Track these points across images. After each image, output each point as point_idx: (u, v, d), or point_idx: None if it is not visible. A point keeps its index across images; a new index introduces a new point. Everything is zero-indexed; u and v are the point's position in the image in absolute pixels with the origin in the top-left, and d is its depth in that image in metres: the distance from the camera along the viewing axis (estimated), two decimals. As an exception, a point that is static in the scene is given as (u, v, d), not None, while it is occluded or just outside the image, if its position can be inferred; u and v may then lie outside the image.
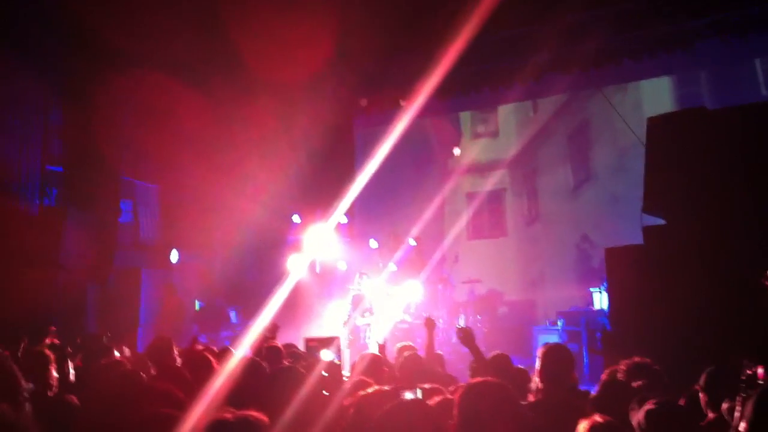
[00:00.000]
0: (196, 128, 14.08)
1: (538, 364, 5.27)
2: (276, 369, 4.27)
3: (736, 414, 3.29)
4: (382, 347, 7.59)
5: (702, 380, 5.09)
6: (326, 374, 4.73)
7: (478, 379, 3.84)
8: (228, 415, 2.30)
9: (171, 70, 13.02)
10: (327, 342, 5.05)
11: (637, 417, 3.83)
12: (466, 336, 6.50)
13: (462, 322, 15.38)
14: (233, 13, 12.54)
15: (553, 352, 5.31)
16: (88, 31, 12.05)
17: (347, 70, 14.66)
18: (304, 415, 3.83)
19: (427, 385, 4.57)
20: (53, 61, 12.98)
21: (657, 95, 16.83)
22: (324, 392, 4.41)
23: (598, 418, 3.53)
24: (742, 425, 2.97)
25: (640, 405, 3.91)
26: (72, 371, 6.26)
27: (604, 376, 5.62)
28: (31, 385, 4.68)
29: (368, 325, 13.81)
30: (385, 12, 12.76)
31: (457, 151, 19.85)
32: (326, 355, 4.88)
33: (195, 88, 13.58)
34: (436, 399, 4.56)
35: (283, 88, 14.52)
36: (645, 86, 16.89)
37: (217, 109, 14.46)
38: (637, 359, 5.70)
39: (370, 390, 4.68)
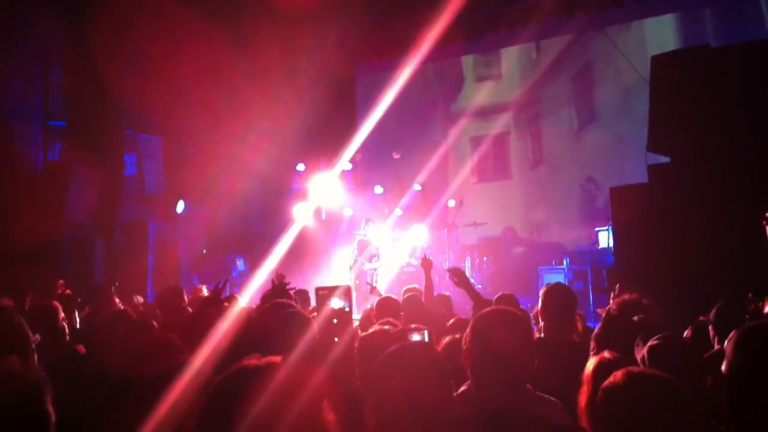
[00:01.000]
0: (198, 78, 14.02)
1: (539, 303, 5.31)
2: (283, 313, 4.30)
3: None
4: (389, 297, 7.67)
5: (712, 314, 5.13)
6: (336, 321, 4.76)
7: (489, 309, 3.86)
8: (253, 362, 2.31)
9: (168, 18, 12.91)
10: (338, 290, 5.07)
11: (642, 352, 3.86)
12: (457, 276, 6.59)
13: (468, 265, 15.46)
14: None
15: (553, 292, 5.34)
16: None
17: (349, 15, 14.54)
18: (314, 358, 3.86)
19: (413, 326, 4.59)
20: (49, 19, 12.88)
21: (661, 34, 16.66)
22: (335, 339, 4.45)
23: (606, 354, 3.54)
24: (724, 365, 2.97)
25: (645, 341, 3.93)
26: (78, 321, 6.32)
27: (603, 314, 5.68)
28: (38, 337, 4.72)
29: (375, 269, 13.88)
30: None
31: None
32: (336, 302, 4.90)
33: (195, 37, 13.48)
34: (445, 339, 4.61)
35: (287, 34, 14.41)
36: (649, 25, 16.72)
37: (218, 58, 14.38)
38: (626, 296, 5.73)
39: (371, 330, 4.73)
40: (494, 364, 3.22)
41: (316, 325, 4.26)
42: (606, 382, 2.69)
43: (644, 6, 13.91)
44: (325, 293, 4.97)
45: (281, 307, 4.41)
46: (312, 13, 13.64)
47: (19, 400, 2.29)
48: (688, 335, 5.29)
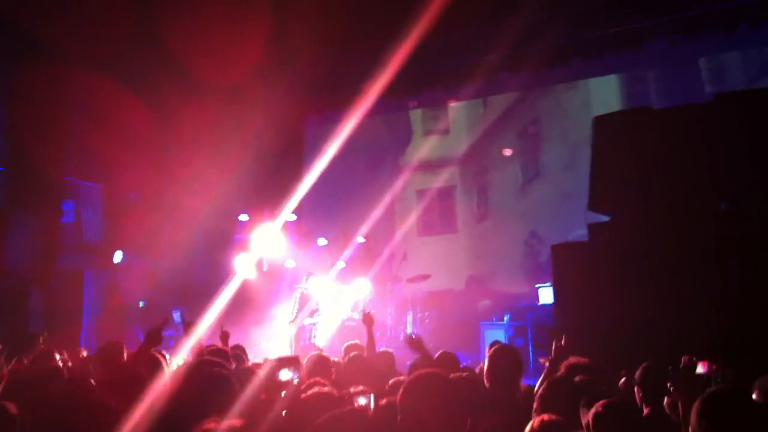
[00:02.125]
0: (141, 128, 13.91)
1: (486, 364, 5.28)
2: (212, 375, 4.20)
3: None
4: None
5: (638, 375, 5.15)
6: (284, 394, 4.69)
7: (416, 373, 3.82)
8: (212, 425, 2.23)
9: (113, 70, 12.87)
10: (287, 362, 5.00)
11: (587, 418, 3.85)
12: (414, 345, 6.47)
13: (410, 319, 15.38)
14: (168, 16, 12.44)
15: (500, 354, 5.33)
16: (28, 31, 11.86)
17: (296, 69, 14.58)
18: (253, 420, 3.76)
19: (360, 388, 4.52)
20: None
21: (605, 94, 17.01)
22: (283, 413, 4.36)
23: (545, 417, 3.52)
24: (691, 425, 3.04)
25: (589, 406, 3.92)
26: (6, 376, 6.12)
27: (546, 363, 5.67)
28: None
29: (314, 324, 13.74)
30: (331, 12, 12.72)
31: None
32: (285, 374, 4.84)
33: (139, 89, 13.47)
34: (382, 402, 4.52)
35: (231, 87, 14.42)
36: (594, 84, 17.06)
37: (163, 109, 14.33)
38: (573, 359, 5.74)
39: (310, 392, 4.63)
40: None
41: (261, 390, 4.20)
42: None
43: (590, 65, 14.16)
44: (274, 365, 4.91)
45: (210, 366, 4.31)
46: (259, 65, 13.65)
47: None
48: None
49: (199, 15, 12.64)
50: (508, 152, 17.49)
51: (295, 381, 4.85)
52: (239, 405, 3.91)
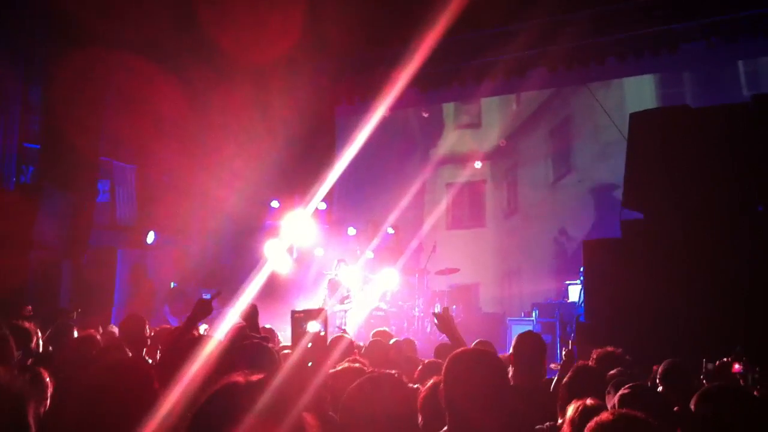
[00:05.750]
0: (173, 113, 14.05)
1: (511, 350, 5.30)
2: (248, 345, 4.27)
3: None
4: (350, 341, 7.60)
5: (661, 370, 5.17)
6: (311, 345, 4.74)
7: (464, 348, 3.84)
8: (240, 379, 2.27)
9: (147, 54, 13.01)
10: (313, 314, 5.03)
11: (612, 401, 3.86)
12: (443, 321, 5.74)
13: (438, 309, 15.37)
14: (205, 5, 12.57)
15: (525, 339, 5.34)
16: (66, 14, 12.00)
17: (326, 57, 14.64)
18: (293, 387, 3.81)
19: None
20: (33, 41, 12.90)
21: (640, 93, 16.90)
22: (309, 363, 4.42)
23: (589, 401, 3.54)
24: None
25: (616, 389, 3.94)
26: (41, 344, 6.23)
27: (559, 367, 5.69)
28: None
29: (345, 311, 13.79)
30: (360, 4, 12.77)
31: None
32: (313, 326, 4.87)
33: (172, 73, 13.61)
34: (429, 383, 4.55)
35: (261, 74, 14.51)
36: (629, 84, 16.96)
37: (194, 95, 14.48)
38: (609, 349, 5.76)
39: (340, 366, 4.70)
40: (471, 406, 3.20)
41: (293, 348, 4.24)
42: (594, 421, 2.70)
43: (626, 65, 14.09)
44: (300, 316, 4.94)
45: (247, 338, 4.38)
46: (290, 52, 13.72)
47: (5, 407, 2.27)
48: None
49: (235, 8, 12.78)
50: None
51: (322, 333, 4.89)
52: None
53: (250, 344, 4.38)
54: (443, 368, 3.39)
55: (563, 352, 5.93)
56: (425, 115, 18.82)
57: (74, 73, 12.37)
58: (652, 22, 12.92)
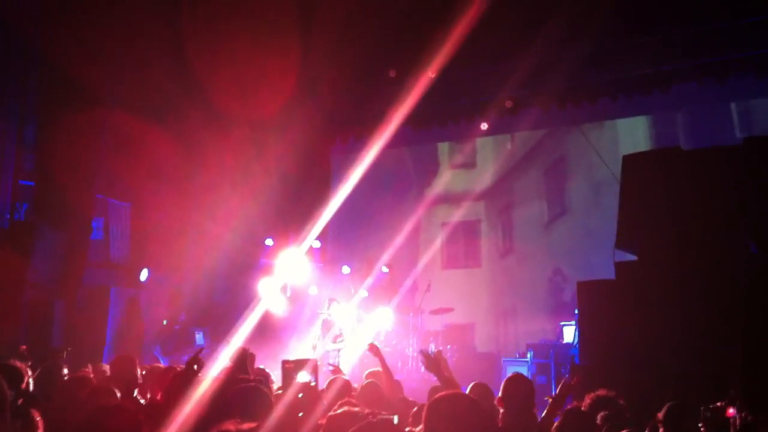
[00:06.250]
0: (168, 152, 14.07)
1: (500, 394, 5.29)
2: (241, 388, 4.24)
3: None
4: (374, 347, 7.68)
5: (662, 414, 5.15)
6: (302, 396, 4.72)
7: (445, 392, 3.81)
8: (231, 428, 2.26)
9: (143, 97, 13.09)
10: (303, 364, 5.03)
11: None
12: (429, 361, 5.99)
13: (432, 350, 15.31)
14: (199, 51, 12.69)
15: (514, 382, 5.33)
16: (63, 57, 12.09)
17: (321, 98, 14.73)
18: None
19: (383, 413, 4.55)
20: (26, 80, 13.00)
21: (633, 134, 17.00)
22: (299, 414, 4.40)
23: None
24: None
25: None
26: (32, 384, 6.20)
27: (568, 408, 5.65)
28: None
29: (338, 350, 13.73)
30: (354, 44, 12.90)
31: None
32: (303, 377, 4.86)
33: (167, 114, 13.67)
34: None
35: (257, 111, 14.57)
36: (621, 124, 17.06)
37: (189, 134, 14.52)
38: (602, 392, 5.74)
39: (339, 411, 4.67)
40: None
41: (281, 399, 4.21)
42: None
43: (618, 105, 14.19)
44: (291, 367, 4.93)
45: (241, 381, 4.35)
46: (282, 93, 13.82)
47: None
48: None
49: (225, 47, 12.88)
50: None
51: (313, 383, 4.88)
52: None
53: (246, 387, 4.35)
54: (423, 413, 3.37)
55: (549, 398, 5.88)
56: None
57: (69, 112, 12.43)
58: (644, 63, 13.04)
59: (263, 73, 13.29)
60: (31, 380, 6.22)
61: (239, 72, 13.25)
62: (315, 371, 4.95)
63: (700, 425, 5.27)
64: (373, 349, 7.88)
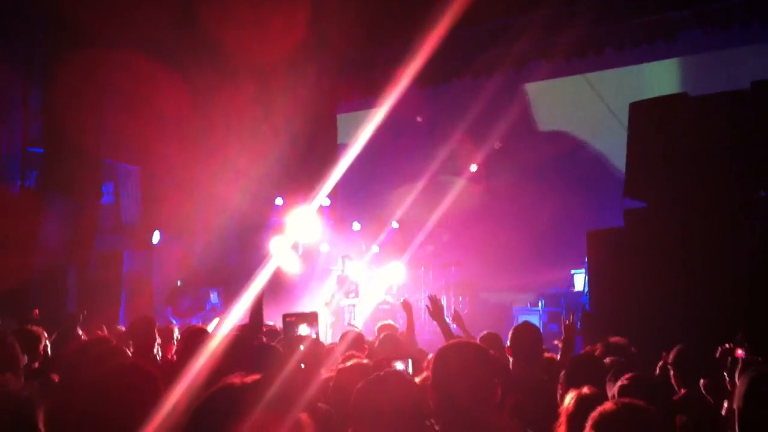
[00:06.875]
0: (176, 113, 14.07)
1: (508, 341, 5.35)
2: (253, 346, 4.31)
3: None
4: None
5: (672, 356, 5.19)
6: (303, 348, 4.79)
7: (454, 341, 3.87)
8: (236, 380, 2.31)
9: (149, 54, 13.01)
10: (305, 317, 5.09)
11: (612, 391, 3.89)
12: (434, 306, 6.68)
13: (444, 304, 15.39)
14: (207, 4, 12.61)
15: (521, 331, 5.37)
16: (65, 15, 12.03)
17: (327, 55, 14.67)
18: (286, 389, 3.85)
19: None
20: (33, 43, 12.94)
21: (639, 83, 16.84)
22: (302, 365, 4.46)
23: (585, 390, 3.56)
24: (736, 403, 3.11)
25: (616, 379, 3.97)
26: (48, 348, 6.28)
27: (562, 353, 5.73)
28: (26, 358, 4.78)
29: (352, 305, 13.84)
30: (360, 11, 12.84)
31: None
32: (304, 330, 4.94)
33: (174, 73, 13.59)
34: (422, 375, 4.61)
35: (263, 72, 14.53)
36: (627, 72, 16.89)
37: (196, 94, 14.49)
38: (613, 339, 5.79)
39: (348, 363, 4.73)
40: (450, 405, 3.20)
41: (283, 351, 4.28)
42: (597, 411, 2.73)
43: (624, 55, 14.13)
44: (292, 320, 4.99)
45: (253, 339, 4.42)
46: (290, 51, 13.75)
47: (14, 414, 2.31)
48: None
49: (236, 7, 12.82)
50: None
51: (313, 336, 4.94)
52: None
53: (258, 345, 4.42)
54: (431, 364, 3.41)
55: (559, 342, 5.96)
56: (419, 120, 18.76)
57: (75, 74, 12.40)
58: (647, 11, 12.95)
59: (272, 25, 13.19)
60: (48, 344, 6.31)
61: (247, 25, 13.17)
62: (315, 324, 5.01)
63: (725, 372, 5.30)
64: (407, 305, 8.01)
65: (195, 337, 5.11)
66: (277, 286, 13.88)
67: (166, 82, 13.43)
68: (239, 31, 13.09)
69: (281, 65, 14.46)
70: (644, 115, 9.96)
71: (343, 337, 6.56)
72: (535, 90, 18.45)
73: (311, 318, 5.08)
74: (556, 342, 5.89)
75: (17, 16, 12.56)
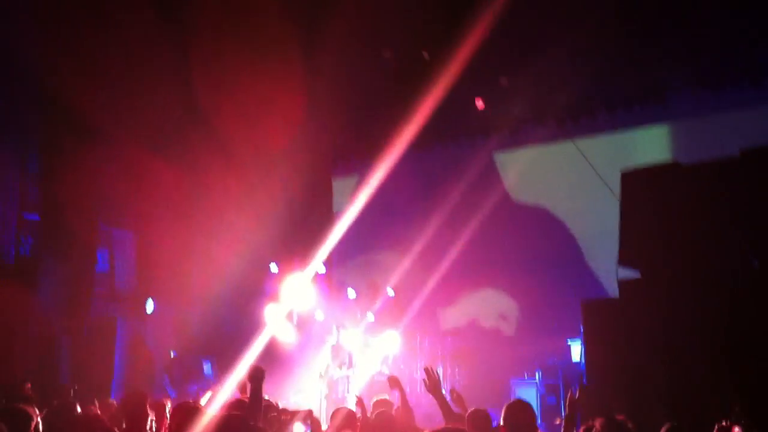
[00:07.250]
0: (172, 180, 14.12)
1: (501, 419, 5.31)
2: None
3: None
4: (360, 400, 7.60)
5: None
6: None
7: (440, 427, 3.83)
8: None
9: (145, 130, 13.16)
10: (299, 415, 5.07)
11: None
12: (431, 381, 6.46)
13: (440, 374, 15.25)
14: (204, 79, 12.81)
15: (514, 410, 5.33)
16: (65, 102, 12.19)
17: (324, 123, 14.81)
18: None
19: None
20: (29, 111, 13.06)
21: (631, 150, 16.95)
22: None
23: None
24: None
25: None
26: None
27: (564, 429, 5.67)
28: None
29: (347, 377, 13.69)
30: (355, 79, 13.01)
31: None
32: (298, 428, 4.91)
33: (170, 145, 13.71)
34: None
35: (261, 137, 14.65)
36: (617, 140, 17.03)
37: (192, 162, 14.56)
38: (612, 416, 5.74)
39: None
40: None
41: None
42: None
43: (616, 119, 14.32)
44: (287, 418, 4.96)
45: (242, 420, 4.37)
46: (286, 118, 13.89)
47: None
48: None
49: (229, 76, 12.99)
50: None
51: None
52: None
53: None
54: None
55: (560, 421, 5.92)
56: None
57: (72, 142, 12.49)
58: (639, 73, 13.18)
59: (268, 100, 13.36)
60: (39, 420, 6.23)
61: (243, 100, 13.33)
62: (311, 422, 4.98)
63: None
64: (394, 382, 7.53)
65: (186, 417, 5.07)
66: (272, 355, 13.79)
67: (161, 150, 13.54)
68: (236, 102, 13.26)
69: (278, 129, 14.58)
70: (636, 184, 10.01)
71: (333, 415, 6.48)
72: (527, 157, 18.58)
73: (304, 416, 5.06)
74: (557, 421, 5.85)
75: (16, 85, 12.69)
